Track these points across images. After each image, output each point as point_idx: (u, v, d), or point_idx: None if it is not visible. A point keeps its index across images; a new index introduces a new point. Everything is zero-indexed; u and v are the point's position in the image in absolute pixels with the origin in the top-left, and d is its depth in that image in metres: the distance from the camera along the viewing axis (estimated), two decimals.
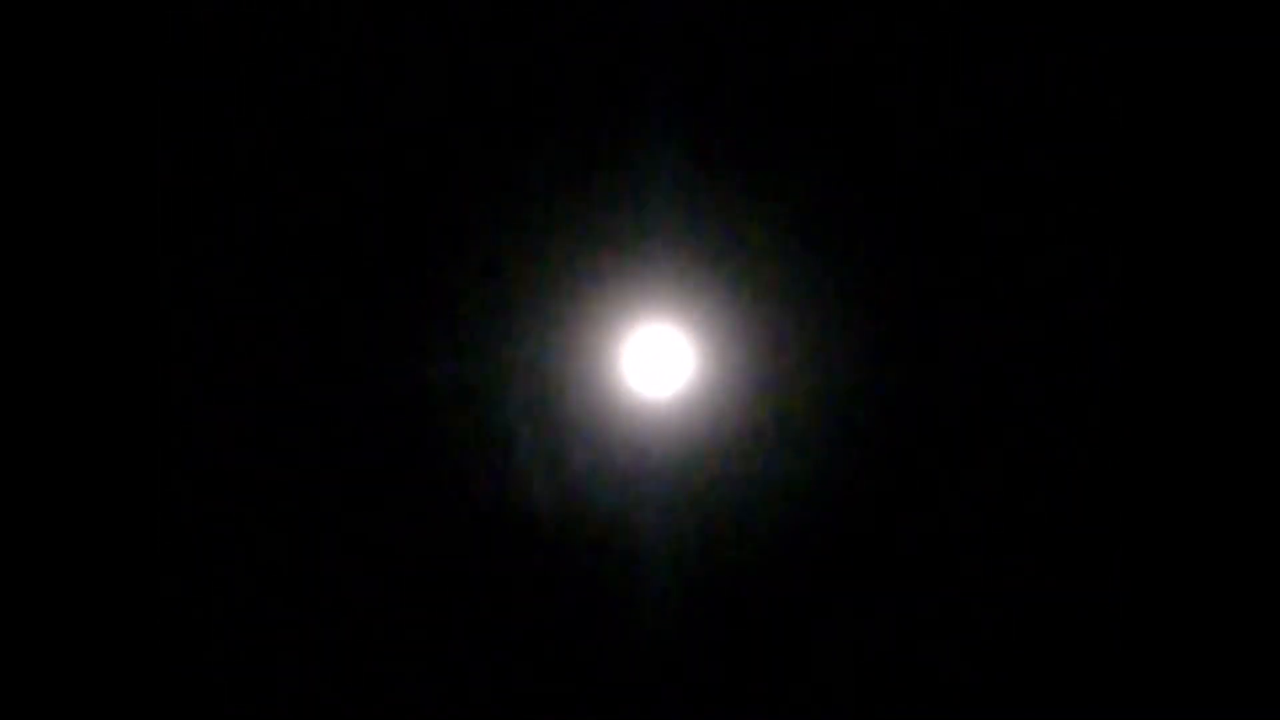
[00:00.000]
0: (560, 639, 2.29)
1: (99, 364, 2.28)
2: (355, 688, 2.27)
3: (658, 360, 2.38)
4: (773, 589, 2.31)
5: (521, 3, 2.29)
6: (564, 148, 2.31)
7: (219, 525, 2.27)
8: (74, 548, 2.28)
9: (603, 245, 2.31)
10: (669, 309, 2.37)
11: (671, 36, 2.32)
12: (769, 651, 2.30)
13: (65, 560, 2.28)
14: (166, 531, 2.27)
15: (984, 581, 2.35)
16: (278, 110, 2.29)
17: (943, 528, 2.33)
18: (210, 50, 2.30)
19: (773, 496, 2.30)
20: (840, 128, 2.36)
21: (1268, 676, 2.37)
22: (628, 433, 2.34)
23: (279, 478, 2.28)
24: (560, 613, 2.29)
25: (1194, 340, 2.39)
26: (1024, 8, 2.38)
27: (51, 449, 2.28)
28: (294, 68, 2.30)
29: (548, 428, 2.30)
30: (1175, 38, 2.41)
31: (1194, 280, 2.38)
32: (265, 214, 2.29)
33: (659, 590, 2.28)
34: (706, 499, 2.32)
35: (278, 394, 2.29)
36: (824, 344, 2.34)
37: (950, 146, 2.37)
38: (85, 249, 2.29)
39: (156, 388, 2.30)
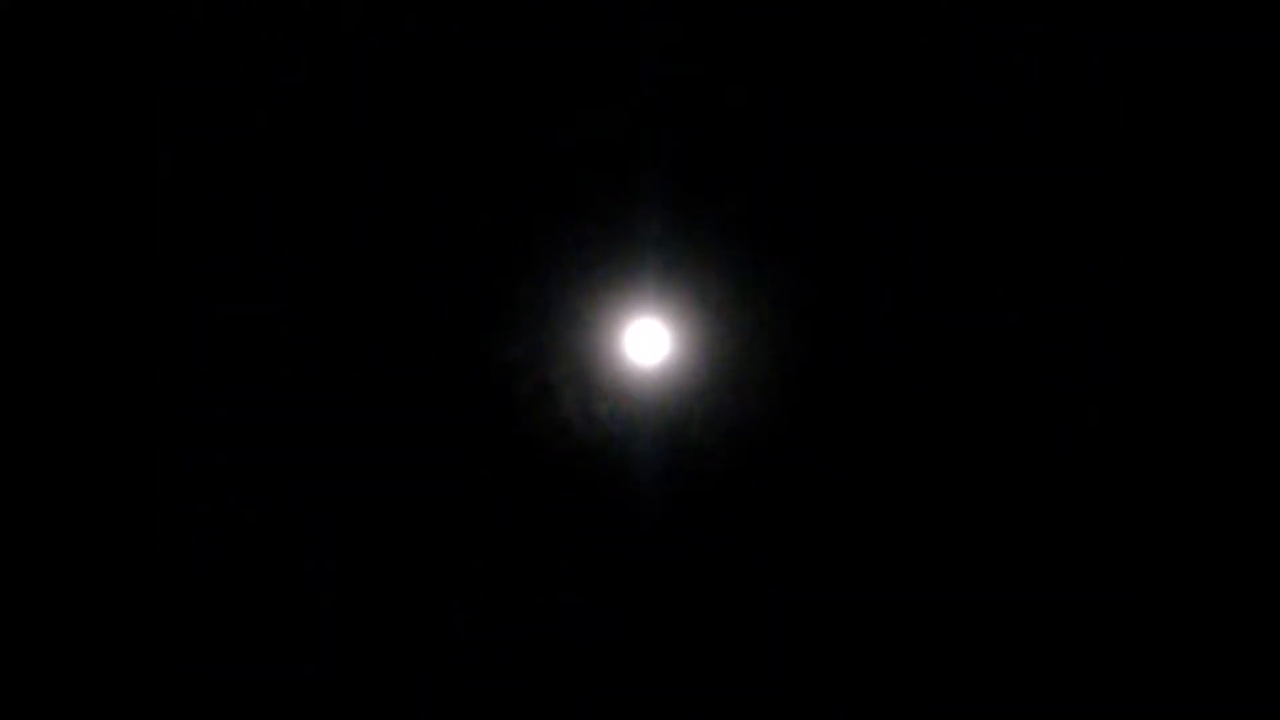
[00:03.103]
0: (585, 515, 2.60)
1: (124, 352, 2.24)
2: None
3: (649, 340, 2.62)
4: (725, 482, 2.61)
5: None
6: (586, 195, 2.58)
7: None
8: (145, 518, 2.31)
9: (613, 265, 2.60)
10: (656, 306, 2.62)
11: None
12: (723, 522, 2.60)
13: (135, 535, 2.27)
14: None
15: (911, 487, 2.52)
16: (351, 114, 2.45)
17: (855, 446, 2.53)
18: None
19: (724, 429, 2.61)
20: (790, 157, 2.55)
21: (1266, 675, 2.25)
22: (629, 389, 2.62)
23: (391, 423, 2.58)
24: (586, 499, 2.60)
25: (1190, 334, 2.39)
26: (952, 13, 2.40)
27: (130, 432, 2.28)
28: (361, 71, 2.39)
29: (578, 385, 2.60)
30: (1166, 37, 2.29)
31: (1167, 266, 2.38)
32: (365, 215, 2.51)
33: (650, 482, 2.62)
34: (680, 431, 2.62)
35: (387, 367, 2.55)
36: (759, 331, 2.60)
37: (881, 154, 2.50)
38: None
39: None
